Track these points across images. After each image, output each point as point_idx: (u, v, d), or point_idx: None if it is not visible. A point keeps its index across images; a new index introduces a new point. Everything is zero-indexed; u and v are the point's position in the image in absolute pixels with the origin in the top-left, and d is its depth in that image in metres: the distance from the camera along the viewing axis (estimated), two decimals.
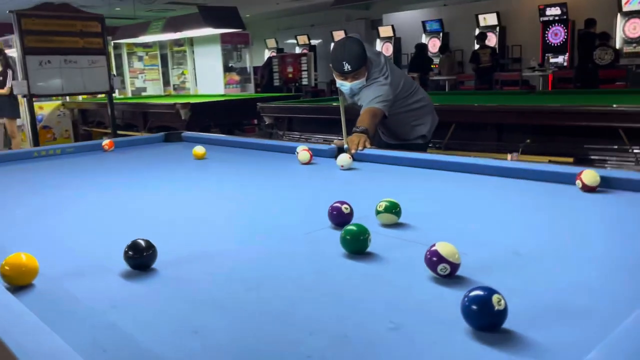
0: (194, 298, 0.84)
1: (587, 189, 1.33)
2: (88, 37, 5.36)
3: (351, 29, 14.32)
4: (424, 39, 12.70)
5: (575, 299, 0.77)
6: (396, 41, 13.64)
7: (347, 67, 2.45)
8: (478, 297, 0.67)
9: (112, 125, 5.85)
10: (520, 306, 0.73)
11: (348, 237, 0.98)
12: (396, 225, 1.15)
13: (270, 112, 4.95)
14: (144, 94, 9.44)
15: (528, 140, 3.38)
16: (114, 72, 7.90)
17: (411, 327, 0.70)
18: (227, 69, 8.83)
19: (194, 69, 9.25)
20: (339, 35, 14.54)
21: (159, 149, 2.59)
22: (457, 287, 0.82)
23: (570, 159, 3.17)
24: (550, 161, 3.22)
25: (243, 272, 0.95)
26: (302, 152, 1.94)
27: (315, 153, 2.00)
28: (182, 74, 9.49)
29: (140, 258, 0.95)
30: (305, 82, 9.28)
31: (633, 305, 0.67)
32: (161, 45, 9.57)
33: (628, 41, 10.36)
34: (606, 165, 3.11)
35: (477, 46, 9.98)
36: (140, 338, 0.70)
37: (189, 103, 5.62)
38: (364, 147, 2.12)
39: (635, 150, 2.98)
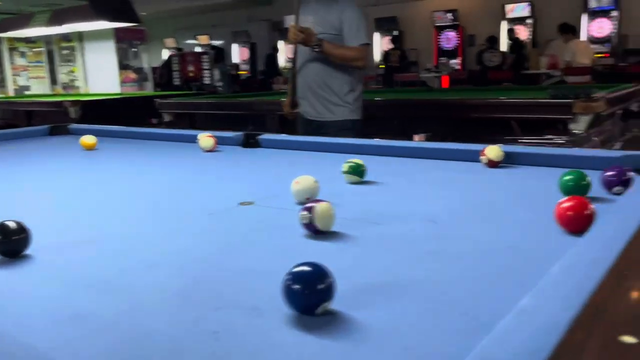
0: (76, 282, 0.72)
1: (491, 164, 1.35)
2: None
3: (254, 29, 14.21)
4: None
5: (496, 257, 0.75)
6: None
7: None
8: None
9: None
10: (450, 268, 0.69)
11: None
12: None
13: (170, 109, 4.72)
14: (27, 92, 8.67)
15: (429, 134, 3.49)
16: None
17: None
18: (122, 67, 8.36)
19: (85, 66, 8.64)
20: (241, 36, 14.35)
21: (44, 142, 2.35)
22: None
23: None
24: None
25: (138, 253, 0.84)
26: (205, 138, 1.82)
27: (219, 141, 1.89)
28: (71, 71, 8.83)
29: (9, 242, 0.80)
30: (207, 81, 9.02)
31: (548, 264, 0.65)
32: (47, 40, 8.84)
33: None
34: None
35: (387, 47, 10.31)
36: (10, 330, 0.57)
37: (79, 101, 5.22)
38: (299, 38, 2.43)
39: (524, 139, 3.16)
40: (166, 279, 0.72)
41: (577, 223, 0.79)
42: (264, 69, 12.88)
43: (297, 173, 1.10)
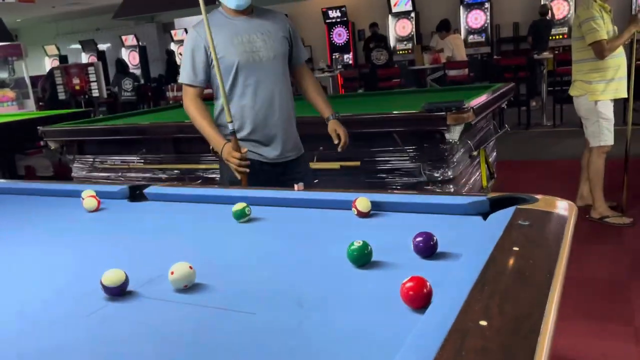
0: None
1: (360, 214, 1.47)
2: None
3: (141, 32, 13.70)
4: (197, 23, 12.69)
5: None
6: None
7: None
8: None
9: None
10: None
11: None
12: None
13: (56, 137, 4.50)
14: None
15: (321, 148, 3.62)
16: None
17: None
18: None
19: None
20: (128, 39, 13.79)
21: None
22: None
23: (358, 163, 3.48)
24: (341, 166, 3.51)
25: None
26: (87, 199, 1.80)
27: (102, 196, 1.88)
28: None
29: None
30: (95, 93, 8.62)
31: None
32: None
33: (399, 39, 11.69)
34: (389, 164, 3.48)
35: None
36: None
37: None
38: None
39: (406, 149, 3.39)
40: None
41: (419, 301, 0.93)
42: (161, 74, 12.45)
43: (182, 233, 1.15)
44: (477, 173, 3.89)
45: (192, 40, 2.21)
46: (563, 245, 1.07)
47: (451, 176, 3.36)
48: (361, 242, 1.12)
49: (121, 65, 9.23)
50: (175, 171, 4.19)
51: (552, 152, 5.89)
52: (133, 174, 4.37)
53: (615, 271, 3.00)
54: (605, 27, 3.32)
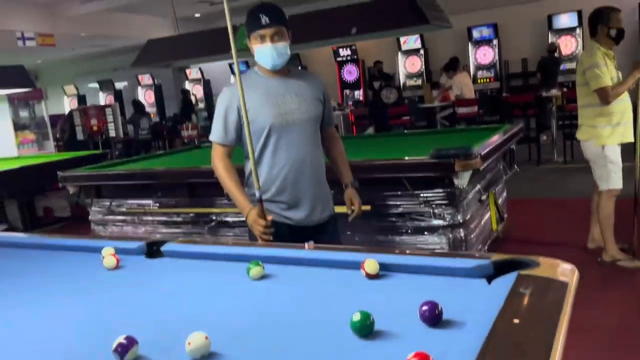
0: None
1: (369, 276, 1.53)
2: None
3: (157, 72, 14.05)
4: (233, 81, 12.97)
5: None
6: (205, 83, 13.75)
7: (264, 19, 2.08)
8: None
9: None
10: None
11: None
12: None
13: (74, 181, 4.64)
14: None
15: (332, 191, 3.70)
16: None
17: None
18: (18, 127, 8.01)
19: None
20: (144, 79, 14.15)
21: None
22: None
23: (369, 207, 3.53)
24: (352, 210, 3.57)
25: None
26: (107, 258, 1.88)
27: (120, 252, 1.95)
28: None
29: None
30: (112, 134, 8.84)
31: None
32: None
33: (409, 75, 11.88)
34: (399, 208, 3.52)
35: None
36: None
37: None
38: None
39: (416, 193, 3.44)
40: None
41: None
42: (175, 113, 12.71)
43: (197, 294, 1.21)
44: (488, 215, 3.93)
45: (226, 99, 2.22)
46: (562, 315, 1.11)
47: (461, 220, 3.40)
48: (361, 316, 1.17)
49: (138, 106, 9.50)
50: (190, 215, 4.28)
51: (564, 190, 5.90)
52: (149, 217, 4.47)
53: (627, 317, 2.99)
54: (609, 73, 3.39)
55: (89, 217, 4.70)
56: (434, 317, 1.21)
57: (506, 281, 1.33)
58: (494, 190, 3.92)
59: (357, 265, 1.57)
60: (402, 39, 11.34)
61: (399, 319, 1.26)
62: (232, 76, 12.09)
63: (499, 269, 1.45)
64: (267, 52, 2.11)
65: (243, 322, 1.36)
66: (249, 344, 1.23)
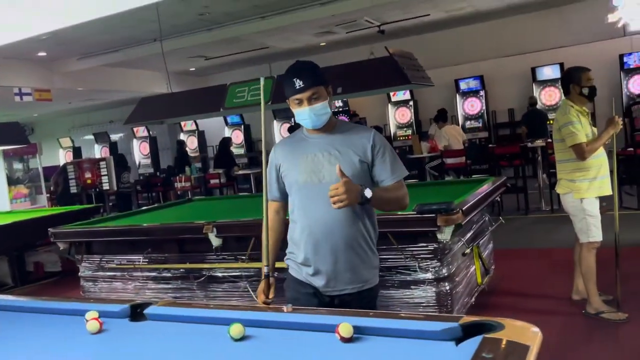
0: None
1: (343, 340, 1.58)
2: None
3: (152, 124, 14.26)
4: (227, 133, 13.20)
5: None
6: (200, 134, 13.95)
7: (298, 83, 2.01)
8: None
9: None
10: None
11: None
12: None
13: (65, 238, 4.67)
14: None
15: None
16: None
17: None
18: (12, 182, 8.09)
19: None
20: (139, 131, 14.36)
21: None
22: None
23: None
24: None
25: None
26: (90, 322, 1.92)
27: (104, 315, 1.99)
28: None
29: None
30: (106, 187, 8.92)
31: None
32: None
33: (399, 126, 12.14)
34: (386, 262, 3.56)
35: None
36: None
37: None
38: (342, 202, 1.86)
39: (401, 247, 3.50)
40: None
41: None
42: (170, 165, 12.84)
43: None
44: (473, 268, 3.98)
45: (270, 157, 2.26)
46: None
47: (446, 274, 3.45)
48: None
49: (120, 160, 9.78)
50: (181, 270, 4.30)
51: (550, 240, 5.96)
52: (139, 273, 4.49)
53: None
54: (583, 130, 3.52)
55: (79, 273, 4.71)
56: None
57: (471, 345, 1.38)
58: (477, 243, 3.98)
59: (332, 329, 1.63)
60: (391, 92, 11.65)
61: None
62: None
63: (467, 332, 1.50)
64: (305, 114, 2.06)
65: None
66: None
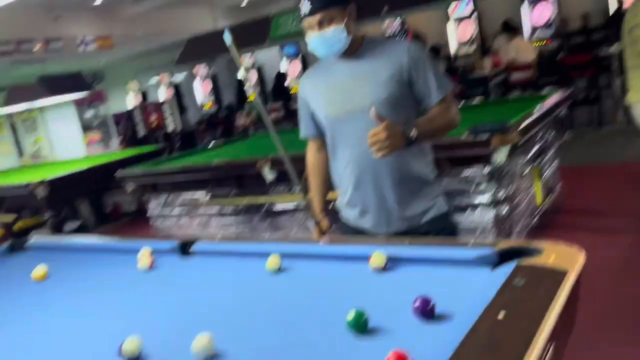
0: None
1: (377, 269, 1.56)
2: None
3: (211, 63, 14.32)
4: (284, 63, 13.03)
5: None
6: (258, 70, 13.89)
7: (307, 5, 1.73)
8: None
9: None
10: None
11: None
12: None
13: (132, 180, 4.91)
14: None
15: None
16: None
17: None
18: (86, 128, 8.53)
19: (48, 135, 8.80)
20: (200, 69, 14.51)
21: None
22: None
23: None
24: None
25: None
26: (142, 259, 2.02)
27: (156, 252, 2.09)
28: (37, 141, 8.98)
29: None
30: (170, 128, 9.21)
31: None
32: (7, 114, 9.00)
33: (461, 44, 11.49)
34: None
35: None
36: None
37: (43, 181, 5.39)
38: (386, 150, 1.60)
39: (456, 171, 3.38)
40: None
41: None
42: (230, 103, 13.01)
43: (217, 292, 1.30)
44: (533, 188, 3.81)
45: (298, 93, 2.04)
46: (550, 309, 1.10)
47: (503, 197, 3.33)
48: (355, 315, 1.21)
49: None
50: (241, 205, 4.43)
51: (624, 155, 5.57)
52: (202, 210, 4.67)
53: None
54: None
55: (147, 212, 4.98)
56: (425, 313, 1.23)
57: (507, 271, 1.33)
58: (539, 162, 3.79)
59: (366, 258, 1.61)
60: (451, 6, 10.96)
61: (395, 314, 1.30)
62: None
63: (505, 257, 1.44)
64: (315, 42, 1.78)
65: (251, 321, 1.44)
66: (251, 342, 1.30)
